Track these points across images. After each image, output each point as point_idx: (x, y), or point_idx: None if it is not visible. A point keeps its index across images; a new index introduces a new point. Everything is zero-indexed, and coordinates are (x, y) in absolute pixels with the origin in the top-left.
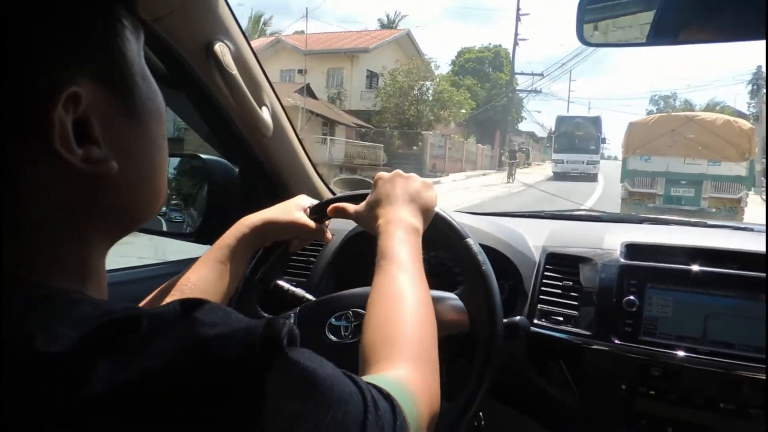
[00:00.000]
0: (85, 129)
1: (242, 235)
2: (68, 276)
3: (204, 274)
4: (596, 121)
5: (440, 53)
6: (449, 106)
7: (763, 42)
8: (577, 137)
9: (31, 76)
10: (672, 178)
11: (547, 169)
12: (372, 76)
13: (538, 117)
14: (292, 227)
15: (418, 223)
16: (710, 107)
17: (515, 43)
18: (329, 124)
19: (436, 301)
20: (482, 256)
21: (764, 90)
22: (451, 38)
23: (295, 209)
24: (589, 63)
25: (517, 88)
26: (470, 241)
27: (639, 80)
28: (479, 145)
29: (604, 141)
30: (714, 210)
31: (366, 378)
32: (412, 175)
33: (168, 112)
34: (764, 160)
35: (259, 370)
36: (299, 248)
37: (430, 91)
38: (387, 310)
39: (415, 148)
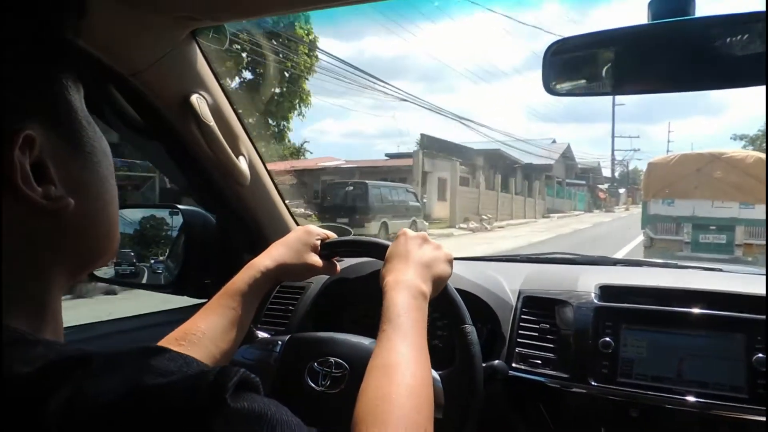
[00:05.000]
0: (42, 170)
1: (254, 280)
2: (26, 317)
3: (214, 321)
4: None
5: None
6: None
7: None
8: None
9: None
10: (699, 223)
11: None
12: None
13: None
14: (305, 270)
15: (427, 288)
16: None
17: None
18: None
19: None
20: (476, 347)
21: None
22: None
23: (305, 250)
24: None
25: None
26: (468, 328)
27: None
28: None
29: None
30: (750, 259)
31: None
32: (436, 243)
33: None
34: None
35: (202, 417)
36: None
37: None
38: (383, 385)
39: None
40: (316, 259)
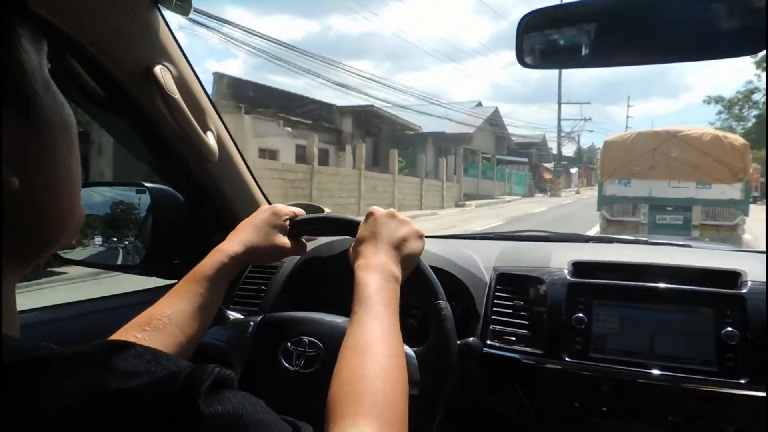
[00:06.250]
0: None
1: (222, 264)
2: None
3: (180, 306)
4: None
5: None
6: None
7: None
8: None
9: None
10: (656, 204)
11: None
12: None
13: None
14: (274, 252)
15: (398, 270)
16: None
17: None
18: None
19: None
20: (450, 323)
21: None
22: None
23: (273, 232)
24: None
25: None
26: (442, 303)
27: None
28: None
29: None
30: (707, 240)
31: None
32: (406, 219)
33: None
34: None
35: (172, 425)
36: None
37: None
38: (357, 365)
39: None
40: (284, 241)
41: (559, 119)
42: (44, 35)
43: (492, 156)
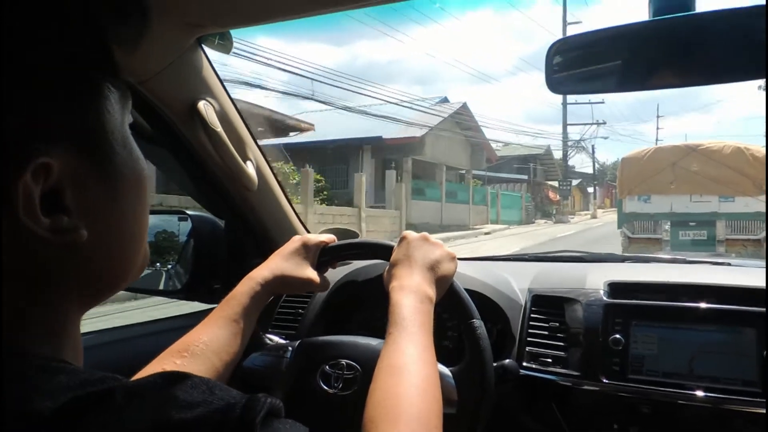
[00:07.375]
0: (57, 197)
1: (255, 292)
2: (43, 341)
3: (216, 333)
4: None
5: None
6: None
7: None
8: None
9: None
10: (678, 219)
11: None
12: None
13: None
14: (300, 283)
15: (432, 292)
16: None
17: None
18: None
19: None
20: (485, 341)
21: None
22: None
23: (303, 263)
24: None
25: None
26: (476, 322)
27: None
28: None
29: None
30: (734, 255)
31: None
32: (438, 242)
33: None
34: None
35: None
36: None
37: None
38: (392, 385)
39: None
40: (311, 274)
41: (565, 124)
42: (131, 94)
43: (467, 171)
